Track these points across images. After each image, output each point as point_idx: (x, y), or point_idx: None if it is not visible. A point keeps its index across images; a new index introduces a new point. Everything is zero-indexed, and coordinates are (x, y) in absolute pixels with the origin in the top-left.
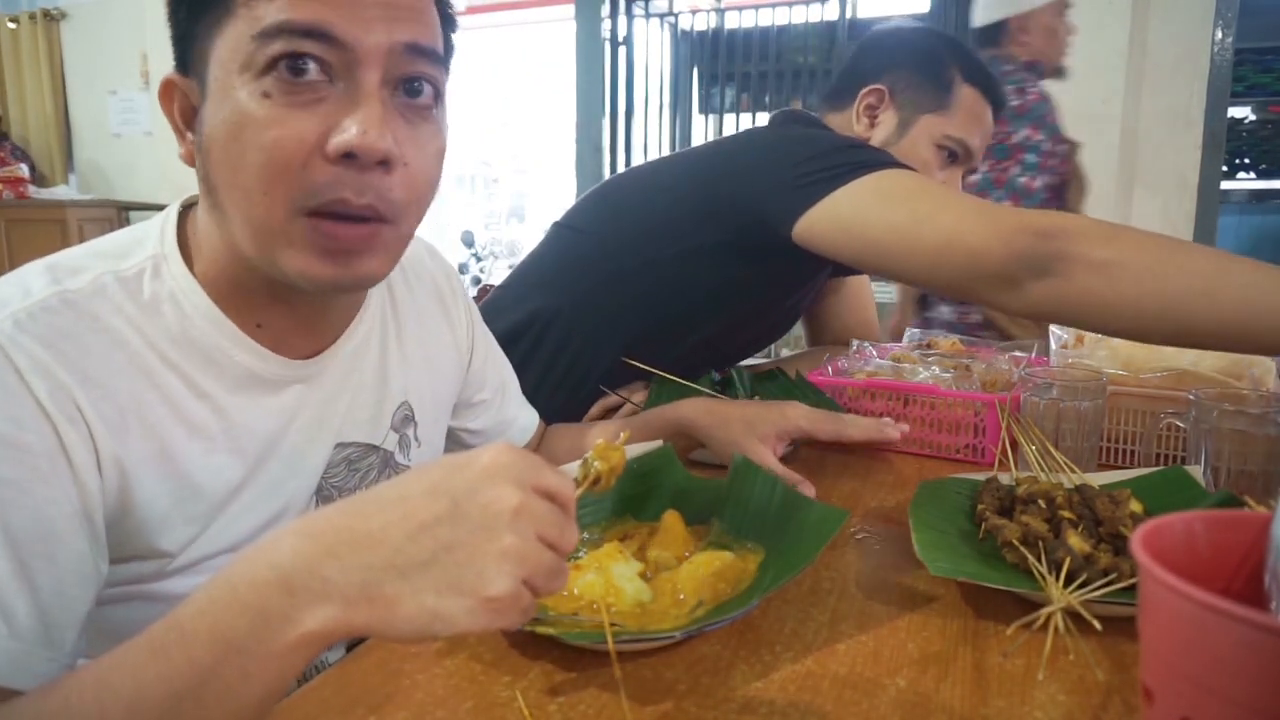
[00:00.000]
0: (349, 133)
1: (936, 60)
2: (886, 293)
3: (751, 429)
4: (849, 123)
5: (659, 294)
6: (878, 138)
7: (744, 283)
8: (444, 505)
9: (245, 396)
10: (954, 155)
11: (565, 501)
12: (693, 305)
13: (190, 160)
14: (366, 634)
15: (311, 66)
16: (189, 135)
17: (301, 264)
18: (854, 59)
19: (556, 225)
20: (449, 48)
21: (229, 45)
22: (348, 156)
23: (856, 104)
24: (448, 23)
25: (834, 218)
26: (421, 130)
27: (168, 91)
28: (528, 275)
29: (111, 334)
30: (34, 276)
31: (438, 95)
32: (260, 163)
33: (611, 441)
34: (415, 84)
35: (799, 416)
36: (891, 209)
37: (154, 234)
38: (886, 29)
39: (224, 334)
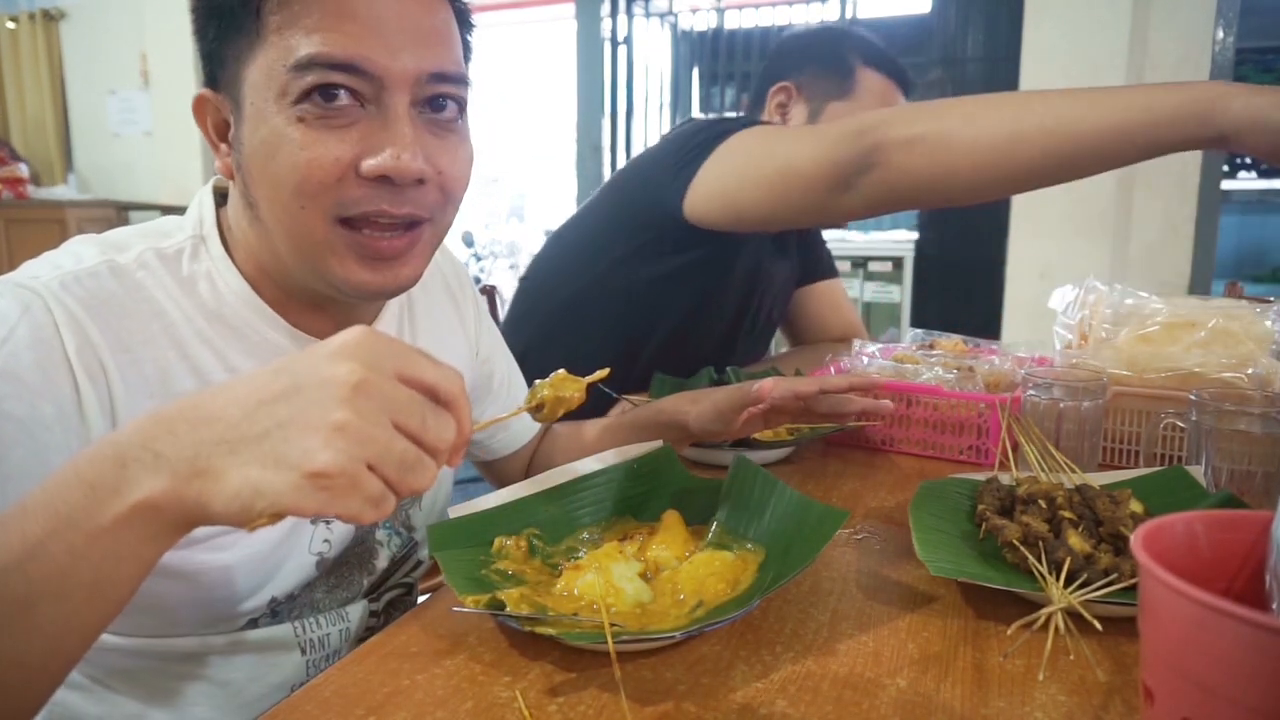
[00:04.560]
0: (383, 156)
1: (836, 50)
2: (888, 292)
3: (728, 388)
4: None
5: (606, 308)
6: None
7: (678, 276)
8: (284, 383)
9: None
10: None
11: (447, 397)
12: (641, 310)
13: (229, 173)
14: (196, 511)
15: (343, 93)
16: (223, 148)
17: (345, 272)
18: (766, 65)
19: (520, 280)
20: (467, 53)
21: (262, 72)
22: (382, 177)
23: (768, 103)
24: (465, 27)
25: (708, 187)
26: (449, 141)
27: (201, 106)
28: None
29: (152, 304)
30: (86, 247)
31: (461, 108)
32: (296, 181)
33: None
34: (439, 100)
35: (780, 379)
36: (739, 161)
37: (192, 217)
38: (792, 33)
39: (256, 313)
